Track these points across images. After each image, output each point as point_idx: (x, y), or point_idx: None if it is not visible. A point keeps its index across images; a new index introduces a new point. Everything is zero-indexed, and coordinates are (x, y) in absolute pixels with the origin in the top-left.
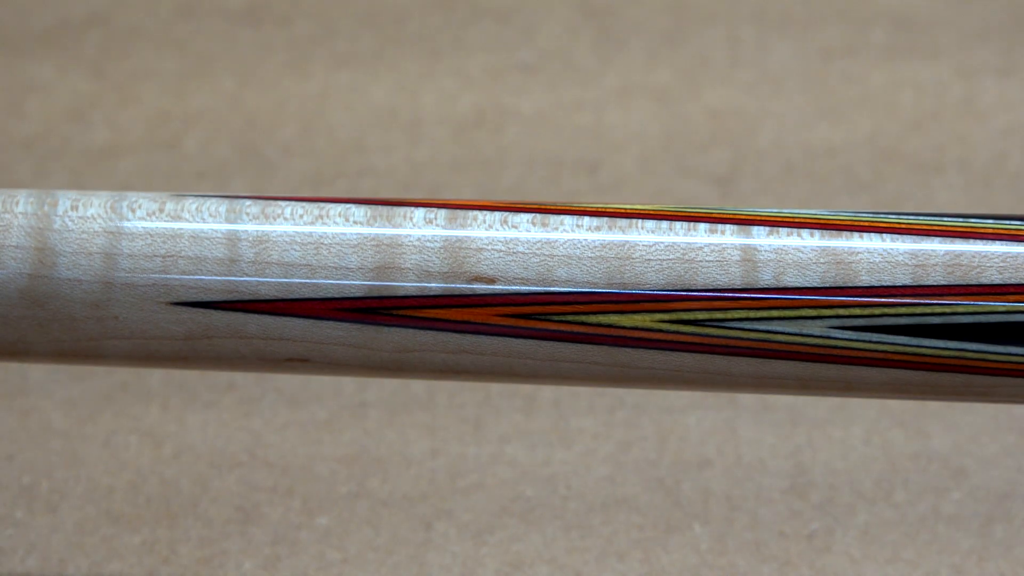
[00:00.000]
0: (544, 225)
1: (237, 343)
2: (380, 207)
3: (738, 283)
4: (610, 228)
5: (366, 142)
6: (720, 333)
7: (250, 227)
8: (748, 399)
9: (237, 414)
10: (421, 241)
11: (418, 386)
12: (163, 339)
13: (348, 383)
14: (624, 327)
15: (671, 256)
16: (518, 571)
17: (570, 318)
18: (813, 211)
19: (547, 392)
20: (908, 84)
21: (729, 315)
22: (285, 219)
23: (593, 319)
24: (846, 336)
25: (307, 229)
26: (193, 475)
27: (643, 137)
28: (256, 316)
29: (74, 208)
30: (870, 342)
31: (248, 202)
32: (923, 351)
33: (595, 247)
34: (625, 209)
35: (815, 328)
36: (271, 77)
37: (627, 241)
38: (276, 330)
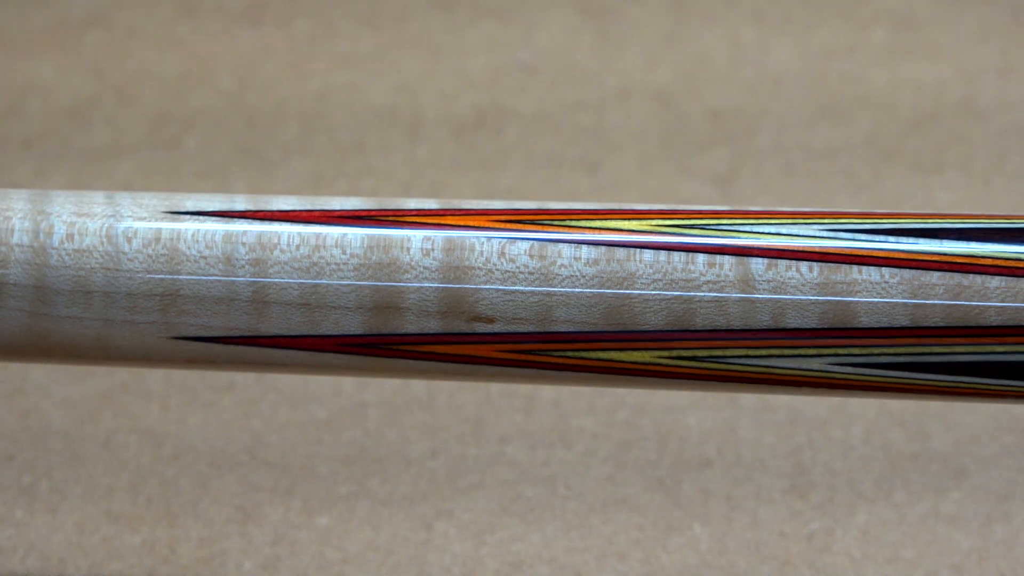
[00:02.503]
0: (542, 258)
1: (240, 366)
2: (376, 232)
3: (737, 324)
4: (608, 263)
5: (366, 142)
6: (720, 367)
7: (247, 262)
8: (748, 399)
9: (237, 414)
10: (419, 279)
11: (418, 386)
12: (166, 362)
13: (348, 383)
14: (624, 361)
15: (669, 296)
16: (518, 571)
17: (570, 354)
18: (812, 238)
19: (547, 392)
20: (908, 84)
21: (728, 352)
22: (282, 251)
23: (593, 355)
24: (845, 371)
25: (304, 263)
26: (193, 475)
27: (643, 137)
28: (258, 348)
29: (69, 238)
30: (869, 376)
31: (244, 225)
32: (921, 382)
33: (593, 284)
34: (623, 231)
35: (814, 364)
36: (271, 77)
37: (625, 278)
38: (278, 358)
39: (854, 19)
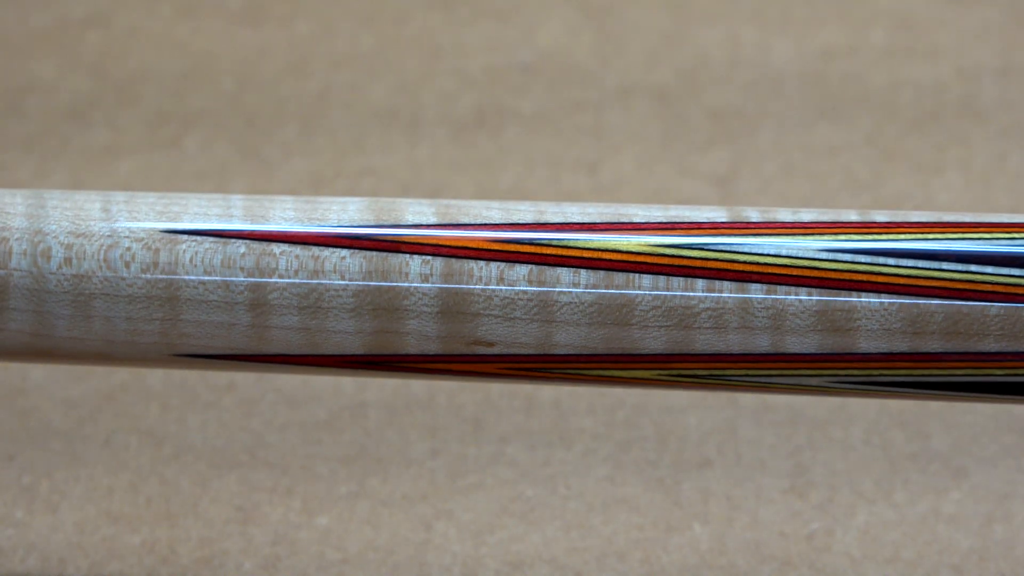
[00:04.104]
0: (540, 284)
1: (242, 370)
2: (375, 255)
3: (736, 349)
4: (607, 288)
5: (366, 142)
6: (721, 382)
7: (245, 287)
8: (748, 399)
9: (237, 414)
10: (418, 305)
11: (418, 386)
12: (167, 367)
13: (348, 383)
14: (625, 377)
15: (668, 323)
16: (518, 571)
17: (571, 371)
18: (812, 260)
19: (547, 392)
20: (908, 84)
21: (729, 372)
22: (280, 276)
23: (594, 372)
24: (845, 386)
25: (303, 289)
26: (193, 475)
27: (643, 137)
28: (261, 364)
29: (67, 262)
30: (868, 390)
31: (242, 248)
32: (921, 393)
33: (592, 313)
34: (622, 256)
35: (814, 381)
36: (271, 77)
37: (624, 304)
38: (281, 369)
39: (854, 19)
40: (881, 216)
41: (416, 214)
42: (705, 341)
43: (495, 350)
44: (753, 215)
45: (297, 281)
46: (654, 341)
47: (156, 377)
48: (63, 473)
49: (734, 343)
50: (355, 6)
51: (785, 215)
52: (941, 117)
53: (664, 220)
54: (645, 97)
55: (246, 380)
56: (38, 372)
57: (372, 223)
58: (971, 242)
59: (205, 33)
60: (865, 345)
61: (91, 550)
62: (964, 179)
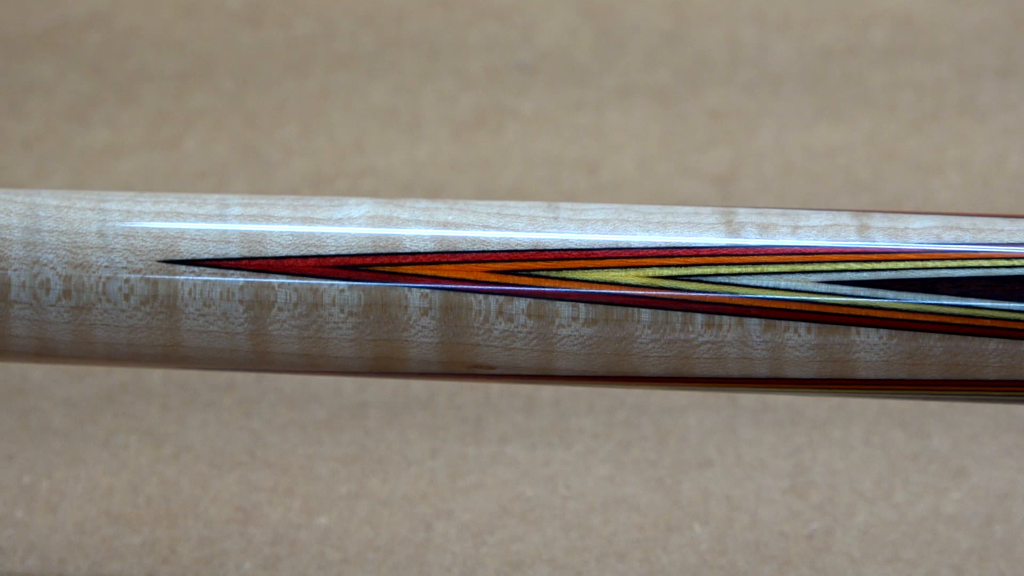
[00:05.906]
0: (540, 317)
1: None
2: (374, 287)
3: (735, 374)
4: (606, 322)
5: (366, 142)
6: (722, 390)
7: (245, 319)
8: (748, 399)
9: (237, 414)
10: (418, 336)
11: (418, 386)
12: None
13: (348, 383)
14: (625, 387)
15: (668, 353)
16: (518, 571)
17: (573, 383)
18: (811, 290)
19: (547, 392)
20: (908, 84)
21: (729, 388)
22: (279, 309)
23: (595, 384)
24: (846, 395)
25: (302, 321)
26: (193, 475)
27: (643, 137)
28: (263, 373)
29: (66, 295)
30: (870, 397)
31: (240, 280)
32: (921, 403)
33: (592, 344)
34: (621, 288)
35: (815, 393)
36: (271, 77)
37: (624, 337)
38: (283, 375)
39: (854, 19)
40: (880, 233)
41: (414, 240)
42: (704, 369)
43: (496, 371)
44: (751, 235)
45: (296, 312)
46: (654, 368)
47: (156, 377)
48: (63, 473)
49: (733, 370)
50: (355, 6)
51: (784, 232)
52: (941, 117)
53: (663, 245)
54: (645, 97)
55: (246, 380)
56: (38, 372)
57: (370, 251)
58: (970, 270)
59: (205, 33)
60: (864, 374)
61: (91, 550)
62: (964, 179)
